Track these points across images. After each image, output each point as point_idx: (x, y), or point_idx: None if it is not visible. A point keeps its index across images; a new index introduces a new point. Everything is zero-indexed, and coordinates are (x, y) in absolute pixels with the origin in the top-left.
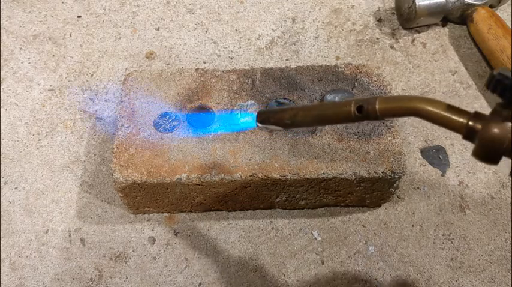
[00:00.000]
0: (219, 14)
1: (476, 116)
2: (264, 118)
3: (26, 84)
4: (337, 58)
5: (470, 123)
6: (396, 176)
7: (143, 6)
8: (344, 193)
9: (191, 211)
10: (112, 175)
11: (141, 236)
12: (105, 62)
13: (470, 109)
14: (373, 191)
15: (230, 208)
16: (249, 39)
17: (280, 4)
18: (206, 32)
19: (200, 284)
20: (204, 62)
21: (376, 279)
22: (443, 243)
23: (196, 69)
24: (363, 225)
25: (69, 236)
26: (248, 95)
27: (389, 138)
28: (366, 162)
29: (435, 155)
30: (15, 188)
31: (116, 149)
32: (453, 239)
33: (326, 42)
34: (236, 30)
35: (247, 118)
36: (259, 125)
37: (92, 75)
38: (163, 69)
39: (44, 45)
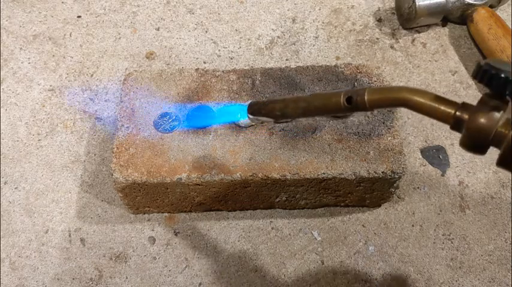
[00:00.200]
0: (219, 14)
1: (464, 106)
2: (254, 109)
3: (26, 84)
4: (337, 58)
5: (458, 113)
6: (396, 176)
7: (143, 6)
8: (344, 193)
9: (191, 211)
10: (112, 175)
11: (141, 236)
12: (105, 62)
13: None
14: (373, 191)
15: (230, 208)
16: (249, 39)
17: (280, 4)
18: (206, 32)
19: (200, 284)
20: (204, 62)
21: (376, 279)
22: (443, 243)
23: (196, 69)
24: (363, 225)
25: (69, 236)
26: (248, 95)
27: (389, 138)
28: (366, 162)
29: (435, 155)
30: (15, 188)
31: (116, 149)
32: (453, 239)
33: (326, 42)
34: (236, 30)
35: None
36: (250, 116)
37: (92, 75)
38: (163, 69)
39: (44, 45)
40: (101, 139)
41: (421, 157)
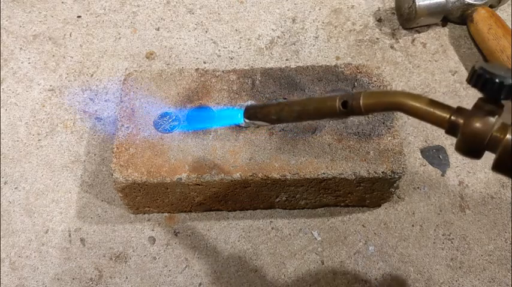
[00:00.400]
0: (219, 14)
1: (459, 110)
2: (250, 114)
3: (26, 84)
4: (337, 58)
5: (453, 117)
6: (396, 176)
7: (143, 6)
8: (344, 193)
9: (191, 211)
10: (112, 175)
11: (141, 236)
12: (105, 62)
13: None
14: (373, 191)
15: (230, 208)
16: (249, 39)
17: (280, 4)
18: (206, 32)
19: (200, 284)
20: (204, 62)
21: (376, 279)
22: (443, 243)
23: (196, 69)
24: (363, 225)
25: (69, 236)
26: (248, 95)
27: (389, 138)
28: (366, 162)
29: (435, 155)
30: (15, 188)
31: (116, 149)
32: (453, 239)
33: (326, 42)
34: (236, 30)
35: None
36: (247, 120)
37: (92, 75)
38: (163, 69)
39: (44, 45)
40: (101, 139)
41: (421, 157)
